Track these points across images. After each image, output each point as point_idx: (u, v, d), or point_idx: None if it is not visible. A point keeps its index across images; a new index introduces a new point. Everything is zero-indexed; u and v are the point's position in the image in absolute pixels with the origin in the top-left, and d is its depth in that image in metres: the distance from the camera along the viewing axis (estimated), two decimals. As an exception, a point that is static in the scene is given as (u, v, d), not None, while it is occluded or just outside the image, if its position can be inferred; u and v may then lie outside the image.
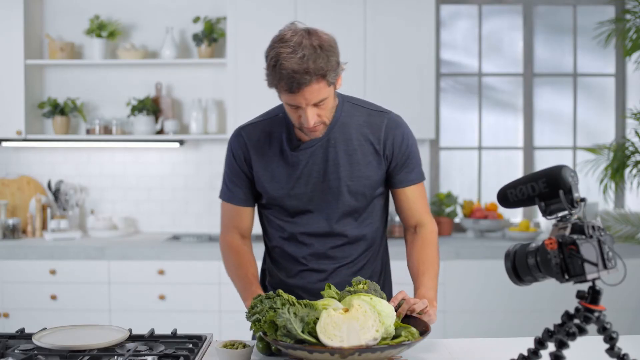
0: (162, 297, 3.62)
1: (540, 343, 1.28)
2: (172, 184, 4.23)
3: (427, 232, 1.86)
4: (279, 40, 1.61)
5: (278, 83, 1.61)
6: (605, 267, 1.19)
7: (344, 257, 1.85)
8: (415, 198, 1.86)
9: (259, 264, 1.95)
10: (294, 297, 1.52)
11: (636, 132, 3.65)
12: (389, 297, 1.91)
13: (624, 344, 1.27)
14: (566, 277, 1.20)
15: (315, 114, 1.65)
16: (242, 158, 1.83)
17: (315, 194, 1.80)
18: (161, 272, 3.62)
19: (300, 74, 1.57)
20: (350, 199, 1.80)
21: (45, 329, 1.66)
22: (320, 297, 1.72)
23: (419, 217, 1.87)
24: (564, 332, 1.22)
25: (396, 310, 1.58)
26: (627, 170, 3.66)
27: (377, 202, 1.87)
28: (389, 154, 1.81)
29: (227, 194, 1.88)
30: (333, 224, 1.82)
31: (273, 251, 1.91)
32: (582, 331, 1.21)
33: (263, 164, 1.81)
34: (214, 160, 4.19)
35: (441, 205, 4.09)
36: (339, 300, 1.56)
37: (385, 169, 1.82)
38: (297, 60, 1.57)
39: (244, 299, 1.76)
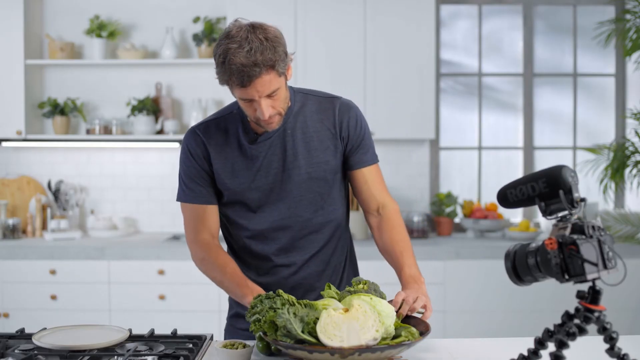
0: (162, 297, 3.62)
1: (540, 343, 1.28)
2: (172, 184, 4.22)
3: (392, 212, 1.85)
4: (225, 37, 1.63)
5: (229, 79, 1.62)
6: (605, 267, 1.19)
7: (312, 247, 1.84)
8: (372, 178, 1.86)
9: None
10: (293, 297, 1.52)
11: (636, 132, 3.65)
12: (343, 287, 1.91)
13: (624, 344, 1.27)
14: (566, 277, 1.20)
15: (269, 105, 1.66)
16: (201, 156, 1.82)
17: (275, 185, 1.79)
18: (161, 272, 3.62)
19: (249, 67, 1.58)
20: (312, 186, 1.80)
21: (45, 329, 1.66)
22: (293, 292, 1.75)
23: (380, 197, 1.86)
24: (564, 332, 1.22)
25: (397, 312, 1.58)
26: (627, 170, 3.66)
27: (338, 186, 1.87)
28: (345, 135, 1.82)
29: (189, 195, 1.86)
30: (297, 213, 1.81)
31: (240, 252, 1.89)
32: (582, 331, 1.21)
33: (222, 160, 1.80)
34: (214, 160, 4.19)
35: (441, 205, 4.09)
36: (339, 300, 1.56)
37: (342, 151, 1.83)
38: (245, 54, 1.58)
39: (242, 295, 1.71)
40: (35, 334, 1.62)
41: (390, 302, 1.59)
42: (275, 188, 1.80)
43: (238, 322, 1.90)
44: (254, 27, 1.63)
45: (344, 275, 1.93)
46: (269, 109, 1.66)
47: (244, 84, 1.61)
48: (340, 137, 1.82)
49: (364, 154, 1.85)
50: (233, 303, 1.94)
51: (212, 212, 1.85)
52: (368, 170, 1.85)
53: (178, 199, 1.89)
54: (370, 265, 3.61)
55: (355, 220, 3.77)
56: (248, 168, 1.79)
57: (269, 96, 1.65)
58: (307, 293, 1.83)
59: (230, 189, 1.81)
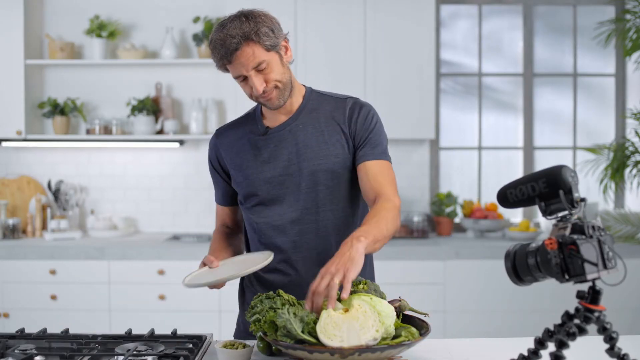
0: (162, 297, 3.62)
1: (540, 343, 1.28)
2: (172, 184, 4.22)
3: (385, 201, 1.72)
4: (216, 26, 1.74)
5: (218, 60, 1.71)
6: (605, 267, 1.19)
7: (323, 244, 1.82)
8: (376, 171, 1.78)
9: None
10: (294, 297, 1.51)
11: (636, 132, 3.65)
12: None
13: (624, 344, 1.27)
14: (566, 277, 1.20)
15: (261, 80, 1.72)
16: (215, 158, 1.94)
17: (286, 177, 1.81)
18: (161, 272, 3.62)
19: (228, 40, 1.67)
20: (321, 178, 1.80)
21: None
22: (300, 290, 1.71)
23: (380, 189, 1.75)
24: (564, 332, 1.22)
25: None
26: (627, 170, 3.66)
27: (348, 184, 1.83)
28: (353, 129, 1.82)
29: (215, 195, 2.01)
30: (306, 207, 1.81)
31: (252, 248, 1.91)
32: (582, 331, 1.21)
33: (233, 155, 1.88)
34: (214, 160, 4.19)
35: (441, 205, 4.09)
36: (339, 301, 1.56)
37: (352, 148, 1.82)
38: (224, 31, 1.68)
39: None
40: (187, 276, 1.68)
41: (390, 302, 1.59)
42: (285, 181, 1.81)
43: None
44: (241, 13, 1.72)
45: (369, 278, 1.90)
46: (262, 84, 1.72)
47: (229, 59, 1.69)
48: (349, 133, 1.82)
49: (371, 148, 1.80)
50: (241, 307, 1.96)
51: (227, 212, 1.99)
52: (372, 164, 1.78)
53: None
54: (370, 265, 3.61)
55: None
56: (255, 159, 1.83)
57: (259, 71, 1.71)
58: None
59: (241, 181, 1.85)
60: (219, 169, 1.93)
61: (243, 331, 1.91)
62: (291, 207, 1.81)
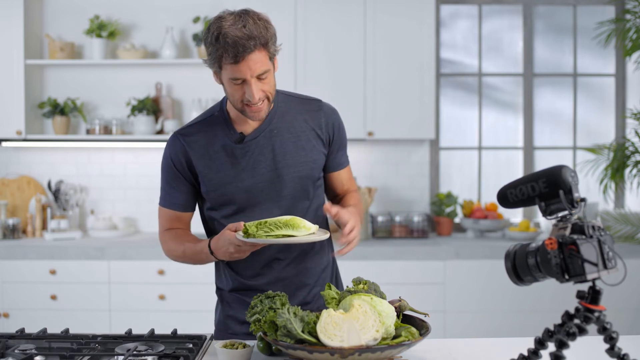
0: (162, 297, 3.62)
1: (540, 343, 1.28)
2: (172, 184, 4.22)
3: (357, 193, 1.98)
4: (218, 19, 1.66)
5: (223, 55, 1.62)
6: (605, 267, 1.19)
7: (301, 246, 1.83)
8: (348, 177, 1.96)
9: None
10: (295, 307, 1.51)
11: (636, 132, 3.65)
12: (340, 289, 1.93)
13: (624, 344, 1.27)
14: (566, 277, 1.20)
15: (259, 88, 1.67)
16: (181, 162, 1.80)
17: (264, 185, 1.79)
18: (161, 272, 3.62)
19: (245, 40, 1.60)
20: (300, 184, 1.82)
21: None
22: (285, 290, 1.77)
23: (349, 189, 1.97)
24: (564, 332, 1.22)
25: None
26: (627, 170, 3.66)
27: (321, 185, 1.91)
28: (330, 137, 1.87)
29: (167, 201, 1.86)
30: (287, 213, 1.80)
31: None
32: (582, 331, 1.21)
33: (206, 162, 1.78)
34: (214, 160, 4.19)
35: (441, 205, 4.09)
36: (339, 301, 1.56)
37: (326, 152, 1.87)
38: (240, 27, 1.62)
39: (201, 248, 1.74)
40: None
41: (390, 302, 1.59)
42: (265, 188, 1.80)
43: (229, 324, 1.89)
44: (245, 10, 1.67)
45: (336, 271, 1.97)
46: (259, 92, 1.67)
47: (237, 60, 1.61)
48: (325, 138, 1.85)
49: (342, 155, 1.93)
50: (220, 305, 1.94)
51: (184, 218, 1.88)
52: (345, 172, 1.95)
53: (159, 203, 1.89)
54: (370, 265, 3.62)
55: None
56: (233, 166, 1.78)
57: (260, 79, 1.67)
58: (299, 289, 1.85)
59: (216, 189, 1.79)
60: (186, 173, 1.80)
61: (222, 330, 1.90)
62: (270, 213, 1.79)
